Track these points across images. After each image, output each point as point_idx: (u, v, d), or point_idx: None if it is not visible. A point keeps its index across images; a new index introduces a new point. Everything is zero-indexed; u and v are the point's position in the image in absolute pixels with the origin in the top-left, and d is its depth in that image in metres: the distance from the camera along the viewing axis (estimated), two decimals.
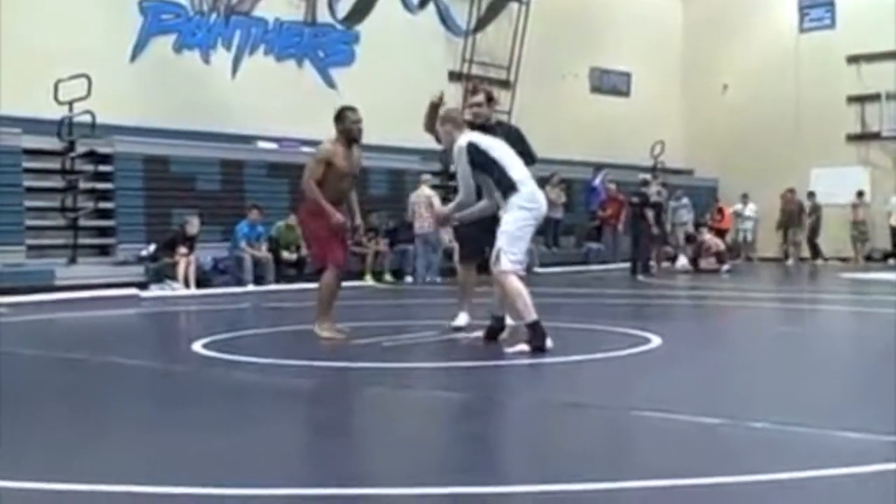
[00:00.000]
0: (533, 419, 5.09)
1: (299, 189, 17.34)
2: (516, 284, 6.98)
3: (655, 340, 7.57)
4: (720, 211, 24.67)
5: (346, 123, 8.07)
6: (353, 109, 8.19)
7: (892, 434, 4.25)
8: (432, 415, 5.27)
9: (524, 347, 6.90)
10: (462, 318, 8.44)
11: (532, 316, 6.93)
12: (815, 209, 24.26)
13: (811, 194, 24.44)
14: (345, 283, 13.60)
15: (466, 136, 7.22)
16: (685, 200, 22.96)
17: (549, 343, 6.90)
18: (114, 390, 6.13)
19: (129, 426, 4.96)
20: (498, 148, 7.21)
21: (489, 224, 7.33)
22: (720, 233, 22.59)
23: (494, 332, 7.66)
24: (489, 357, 7.02)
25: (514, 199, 7.02)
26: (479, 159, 7.08)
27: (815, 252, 24.23)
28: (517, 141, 7.84)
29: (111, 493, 3.50)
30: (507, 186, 7.04)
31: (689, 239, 21.41)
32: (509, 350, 6.97)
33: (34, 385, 6.28)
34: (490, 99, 8.28)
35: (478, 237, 7.84)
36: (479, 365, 6.80)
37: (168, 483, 3.59)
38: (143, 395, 6.04)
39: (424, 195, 17.96)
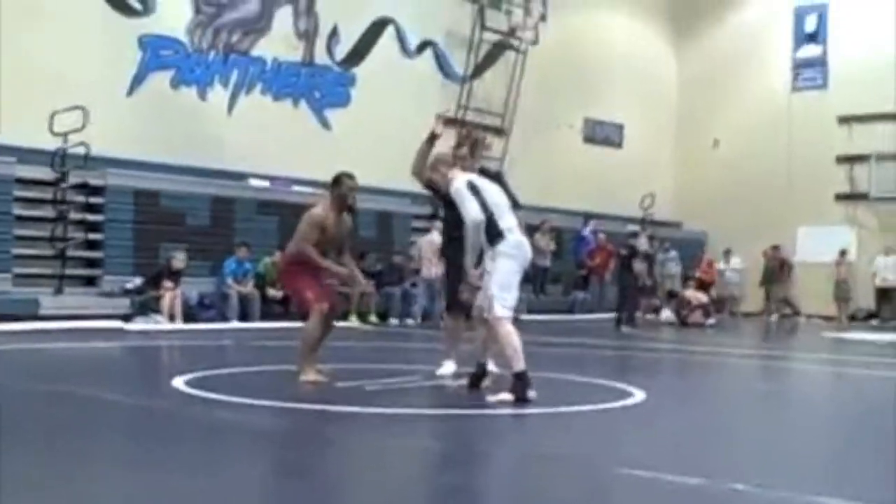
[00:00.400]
0: (513, 473, 5.02)
1: (287, 235, 17.40)
2: (510, 330, 6.97)
3: (639, 395, 7.51)
4: (710, 264, 24.66)
5: (343, 189, 7.91)
6: (350, 176, 8.01)
7: (874, 502, 4.19)
8: (410, 464, 5.18)
9: (507, 396, 6.83)
10: (448, 367, 8.39)
11: (520, 365, 6.87)
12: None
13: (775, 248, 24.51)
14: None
15: (464, 177, 7.33)
16: (672, 253, 22.95)
17: (531, 394, 6.83)
18: (92, 426, 6.03)
19: (105, 464, 4.87)
20: (492, 193, 7.28)
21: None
22: (705, 285, 22.52)
23: (478, 378, 7.62)
24: (471, 405, 6.95)
25: (501, 247, 7.06)
26: (475, 198, 7.15)
27: (792, 308, 24.28)
28: (499, 186, 7.82)
29: None
30: (495, 234, 7.08)
31: (671, 294, 21.43)
32: (492, 398, 6.89)
33: (9, 418, 6.14)
34: (474, 147, 8.21)
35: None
36: (461, 413, 6.73)
37: None
38: (122, 432, 5.95)
39: (435, 241, 17.99)
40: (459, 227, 7.38)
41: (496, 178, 8.09)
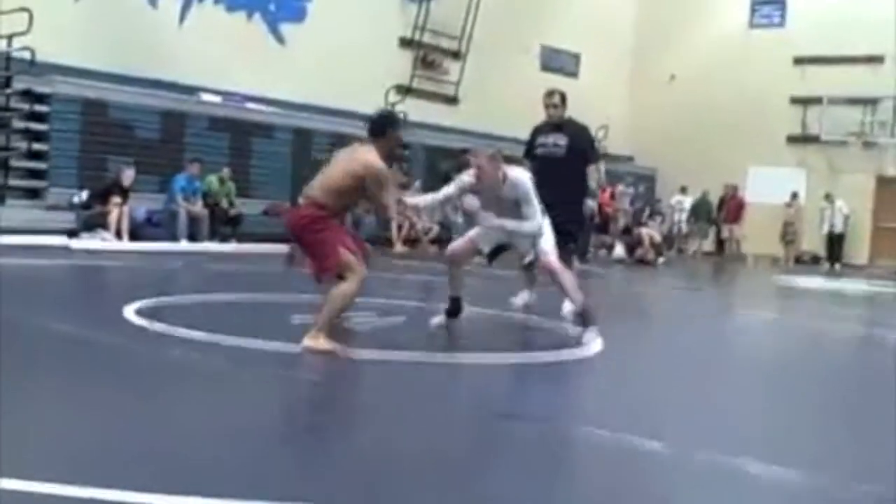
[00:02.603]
0: (468, 432, 4.82)
1: (237, 152, 16.91)
2: (569, 274, 7.75)
3: (596, 345, 7.45)
4: (612, 195, 23.94)
5: (399, 132, 6.76)
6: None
7: (860, 481, 4.16)
8: (365, 416, 5.03)
9: (592, 333, 7.42)
10: (521, 297, 9.05)
11: (584, 300, 7.68)
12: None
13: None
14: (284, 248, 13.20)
15: (522, 171, 7.58)
16: (630, 189, 23.01)
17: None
18: (35, 362, 5.75)
19: (42, 409, 4.64)
20: None
21: (573, 214, 8.68)
22: (605, 218, 22.00)
23: (456, 311, 7.71)
24: (426, 349, 6.81)
25: (545, 222, 7.55)
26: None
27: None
28: (585, 142, 8.91)
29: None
30: (542, 211, 7.52)
31: (626, 230, 21.50)
32: (585, 339, 7.30)
33: None
34: (564, 100, 8.91)
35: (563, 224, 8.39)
36: (413, 360, 6.42)
37: (66, 481, 3.32)
38: (68, 371, 5.64)
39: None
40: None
41: (583, 133, 9.01)
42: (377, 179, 6.37)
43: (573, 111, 9.33)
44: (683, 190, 25.21)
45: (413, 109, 20.23)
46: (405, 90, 21.34)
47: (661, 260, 19.77)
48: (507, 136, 22.56)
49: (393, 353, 6.47)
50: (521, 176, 7.42)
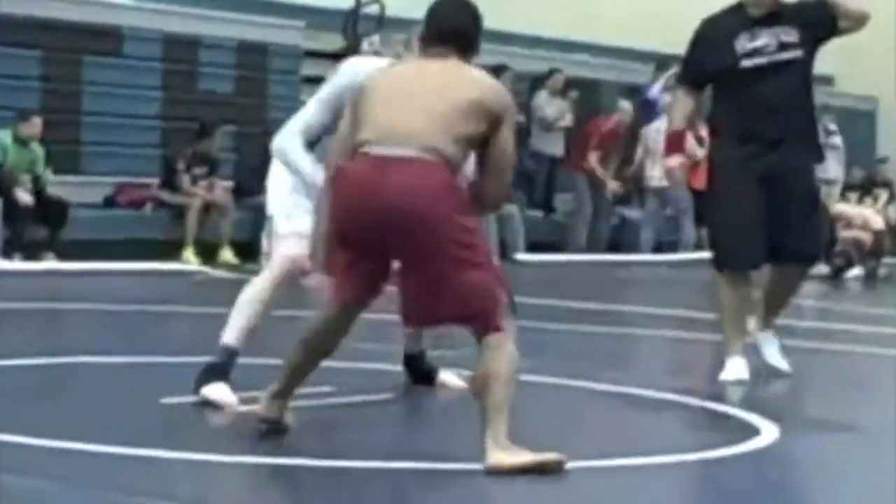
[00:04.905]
0: None
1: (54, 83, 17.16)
2: None
3: (768, 432, 7.54)
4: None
5: None
6: None
7: None
8: None
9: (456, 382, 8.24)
10: (735, 368, 9.25)
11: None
12: None
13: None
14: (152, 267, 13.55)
15: None
16: (836, 139, 23.23)
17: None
18: None
19: None
20: None
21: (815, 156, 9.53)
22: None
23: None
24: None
25: None
26: None
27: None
28: (818, 16, 9.21)
29: None
30: None
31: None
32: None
33: None
34: None
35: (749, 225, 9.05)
36: (454, 468, 6.54)
37: None
38: None
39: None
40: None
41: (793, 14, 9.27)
42: (513, 124, 6.66)
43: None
44: None
45: None
46: None
47: (853, 272, 20.44)
48: (587, 41, 22.83)
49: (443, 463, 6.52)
50: None
